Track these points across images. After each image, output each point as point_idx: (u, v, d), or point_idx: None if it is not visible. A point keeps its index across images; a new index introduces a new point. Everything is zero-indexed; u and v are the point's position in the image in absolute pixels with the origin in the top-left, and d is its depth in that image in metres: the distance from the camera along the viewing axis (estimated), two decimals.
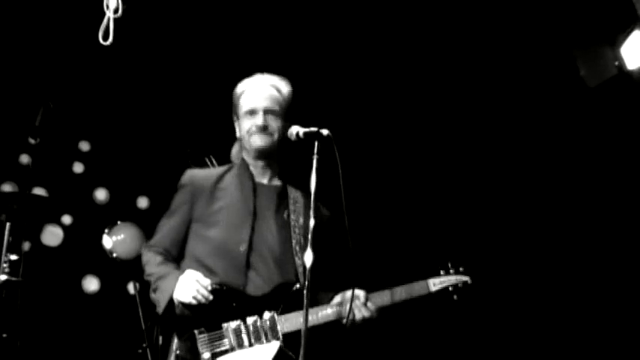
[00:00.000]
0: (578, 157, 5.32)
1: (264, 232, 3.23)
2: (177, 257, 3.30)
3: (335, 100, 5.76)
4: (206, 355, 2.93)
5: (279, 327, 3.02)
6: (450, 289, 3.30)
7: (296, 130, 3.06)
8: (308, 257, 2.78)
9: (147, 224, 6.27)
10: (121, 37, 3.55)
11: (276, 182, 3.39)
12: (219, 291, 3.02)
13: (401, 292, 3.23)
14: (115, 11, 3.55)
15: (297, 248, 3.22)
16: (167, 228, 3.33)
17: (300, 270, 3.16)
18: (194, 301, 2.96)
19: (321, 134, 2.96)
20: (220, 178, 3.34)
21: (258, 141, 3.28)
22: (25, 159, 6.10)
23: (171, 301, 3.02)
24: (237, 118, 3.41)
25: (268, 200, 3.31)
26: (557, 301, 5.32)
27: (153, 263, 3.22)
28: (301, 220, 3.27)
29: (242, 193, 3.28)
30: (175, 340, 2.98)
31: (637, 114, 4.97)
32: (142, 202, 6.65)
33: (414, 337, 5.67)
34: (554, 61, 5.25)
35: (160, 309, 3.06)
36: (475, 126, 5.81)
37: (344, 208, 2.95)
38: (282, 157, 3.42)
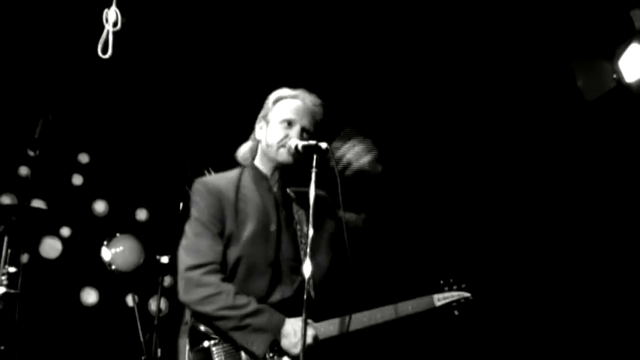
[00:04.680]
0: (577, 170, 5.32)
1: (284, 245, 3.16)
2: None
3: (334, 110, 5.76)
4: None
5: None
6: (454, 304, 3.38)
7: (294, 142, 3.06)
8: (307, 268, 2.77)
9: (146, 236, 6.30)
10: (120, 50, 3.56)
11: (284, 190, 3.28)
12: None
13: (408, 307, 3.26)
14: (115, 24, 3.56)
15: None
16: (211, 242, 3.02)
17: (311, 282, 3.07)
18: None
19: (319, 147, 2.93)
20: (238, 186, 3.18)
21: (284, 156, 3.14)
22: (24, 171, 6.10)
23: (274, 341, 2.90)
24: (266, 123, 3.23)
25: (284, 213, 3.22)
26: (555, 317, 5.33)
27: (230, 293, 2.93)
28: (305, 229, 3.20)
29: (264, 206, 3.15)
30: (187, 351, 2.91)
31: (635, 127, 4.97)
32: (141, 215, 6.64)
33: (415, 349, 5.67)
34: (553, 75, 5.26)
35: (261, 351, 2.87)
36: (473, 140, 5.82)
37: (343, 221, 2.95)
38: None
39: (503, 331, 5.46)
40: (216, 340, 2.91)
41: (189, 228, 3.07)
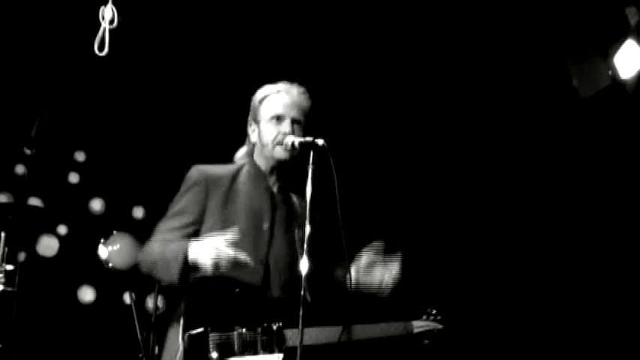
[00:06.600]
0: (571, 170, 5.33)
1: (278, 248, 3.15)
2: None
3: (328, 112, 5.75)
4: (214, 355, 2.85)
5: (286, 340, 2.98)
6: (427, 333, 3.45)
7: (291, 139, 3.06)
8: (304, 265, 2.76)
9: (142, 234, 6.31)
10: (116, 48, 3.56)
11: (284, 191, 3.28)
12: (236, 293, 2.96)
13: (391, 328, 3.32)
14: (111, 22, 3.56)
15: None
16: (172, 226, 3.05)
17: (306, 284, 2.99)
18: (224, 265, 2.78)
19: (316, 144, 2.93)
20: (234, 178, 3.18)
21: (281, 153, 3.13)
22: (20, 169, 6.09)
23: (185, 267, 2.82)
24: (257, 124, 3.24)
25: (280, 213, 3.22)
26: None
27: (154, 247, 2.99)
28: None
29: (258, 206, 3.16)
30: (185, 334, 2.83)
31: (631, 124, 4.98)
32: (138, 212, 6.64)
33: None
34: (548, 72, 5.27)
35: (175, 274, 2.83)
36: (465, 147, 5.83)
37: (340, 219, 2.95)
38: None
39: None
40: (212, 327, 2.88)
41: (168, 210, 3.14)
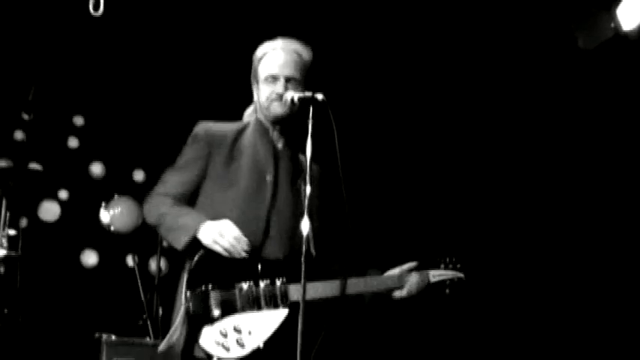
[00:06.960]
0: (575, 122, 5.31)
1: (282, 201, 3.16)
2: None
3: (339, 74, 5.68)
4: (216, 312, 2.88)
5: (289, 295, 2.97)
6: (447, 282, 3.33)
7: (290, 95, 3.03)
8: (305, 225, 2.77)
9: (143, 197, 6.31)
10: (111, 6, 3.52)
11: (290, 148, 3.26)
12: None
13: (402, 279, 3.23)
14: None
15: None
16: (176, 181, 3.16)
17: (310, 239, 3.01)
18: (219, 249, 2.90)
19: (315, 99, 2.90)
20: (238, 135, 3.22)
21: (278, 109, 3.13)
22: (19, 135, 6.07)
23: (194, 241, 2.95)
24: (257, 83, 3.26)
25: (285, 168, 3.22)
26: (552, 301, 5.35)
27: (165, 204, 3.08)
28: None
29: (262, 158, 3.18)
30: (187, 293, 2.87)
31: (634, 76, 4.96)
32: (138, 176, 6.63)
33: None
34: (550, 25, 5.22)
35: (181, 244, 2.96)
36: (472, 100, 5.79)
37: (341, 175, 2.93)
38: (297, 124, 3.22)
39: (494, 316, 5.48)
40: (213, 285, 2.91)
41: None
